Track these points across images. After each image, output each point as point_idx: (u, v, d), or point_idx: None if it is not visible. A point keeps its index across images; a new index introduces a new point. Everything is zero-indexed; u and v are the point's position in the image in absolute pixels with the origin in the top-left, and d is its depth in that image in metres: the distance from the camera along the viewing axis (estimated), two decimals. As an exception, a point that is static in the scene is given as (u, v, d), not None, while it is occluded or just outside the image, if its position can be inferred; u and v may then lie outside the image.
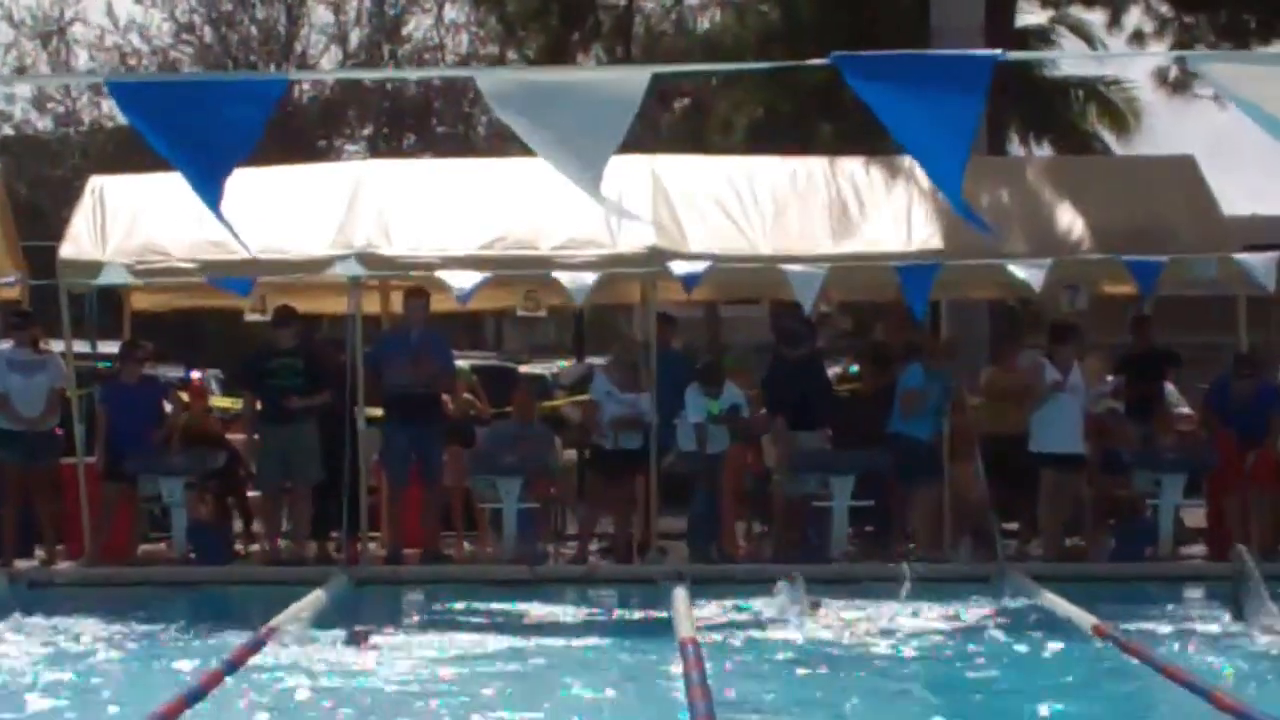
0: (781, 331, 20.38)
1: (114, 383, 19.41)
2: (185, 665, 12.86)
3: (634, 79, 6.49)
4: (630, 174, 19.17)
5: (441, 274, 18.75)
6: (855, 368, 22.28)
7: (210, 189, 6.64)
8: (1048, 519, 19.03)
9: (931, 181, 8.46)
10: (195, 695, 11.18)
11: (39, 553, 19.00)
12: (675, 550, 19.23)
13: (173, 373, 25.16)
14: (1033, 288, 18.78)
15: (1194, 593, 16.96)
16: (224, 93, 6.77)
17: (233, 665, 12.35)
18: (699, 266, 18.70)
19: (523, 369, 27.97)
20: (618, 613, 16.41)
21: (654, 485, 18.87)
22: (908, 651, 13.86)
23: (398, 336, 19.42)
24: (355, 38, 46.81)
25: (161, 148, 6.55)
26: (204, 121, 6.43)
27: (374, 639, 14.18)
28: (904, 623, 15.28)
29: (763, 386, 19.79)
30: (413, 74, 30.99)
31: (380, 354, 19.28)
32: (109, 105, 45.50)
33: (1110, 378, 20.11)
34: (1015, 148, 30.83)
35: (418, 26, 46.92)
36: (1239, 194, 28.91)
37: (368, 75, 43.31)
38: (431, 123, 46.72)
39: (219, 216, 6.72)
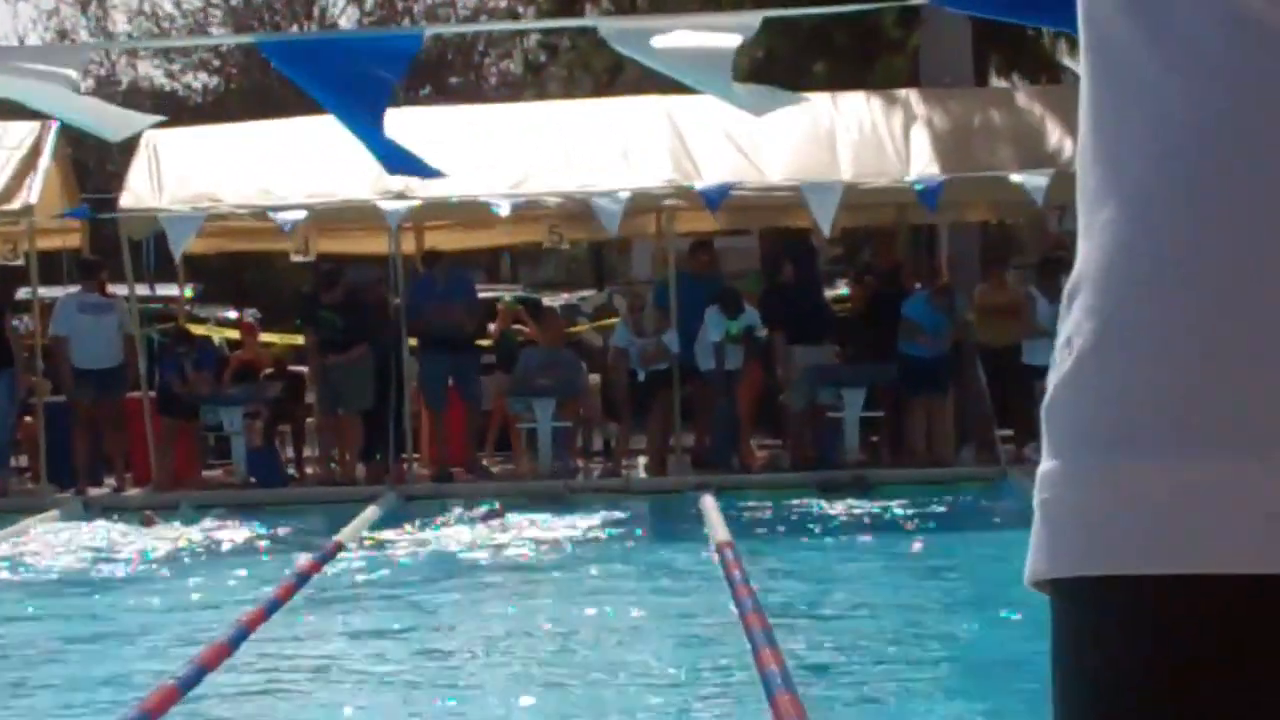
0: (776, 254, 20.37)
1: (173, 355, 19.53)
2: (258, 578, 12.90)
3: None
4: (646, 114, 19.17)
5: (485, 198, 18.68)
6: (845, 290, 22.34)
7: (368, 128, 6.66)
8: (1044, 423, 19.02)
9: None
10: (273, 606, 11.25)
11: (109, 480, 19.07)
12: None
13: (222, 313, 25.25)
14: (1036, 200, 18.46)
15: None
16: (362, 49, 6.78)
17: (305, 576, 12.40)
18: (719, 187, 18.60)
19: (544, 300, 28.01)
20: (650, 521, 16.44)
21: (677, 405, 19.02)
22: (926, 541, 13.95)
23: (427, 284, 19.46)
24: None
25: (316, 95, 6.56)
26: (349, 70, 6.45)
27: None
28: (917, 517, 15.36)
29: (761, 305, 19.82)
30: (539, 25, 30.43)
31: (413, 300, 19.37)
32: (145, 67, 45.42)
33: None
34: (995, 82, 30.66)
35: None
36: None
37: (495, 28, 42.46)
38: (445, 74, 46.54)
39: (385, 150, 6.77)
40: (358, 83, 6.57)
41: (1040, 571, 0.92)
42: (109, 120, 8.83)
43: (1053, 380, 0.93)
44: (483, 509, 16.44)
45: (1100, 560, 0.89)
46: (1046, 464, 0.92)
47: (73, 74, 8.09)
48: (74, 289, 19.45)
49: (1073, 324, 0.92)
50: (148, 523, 16.28)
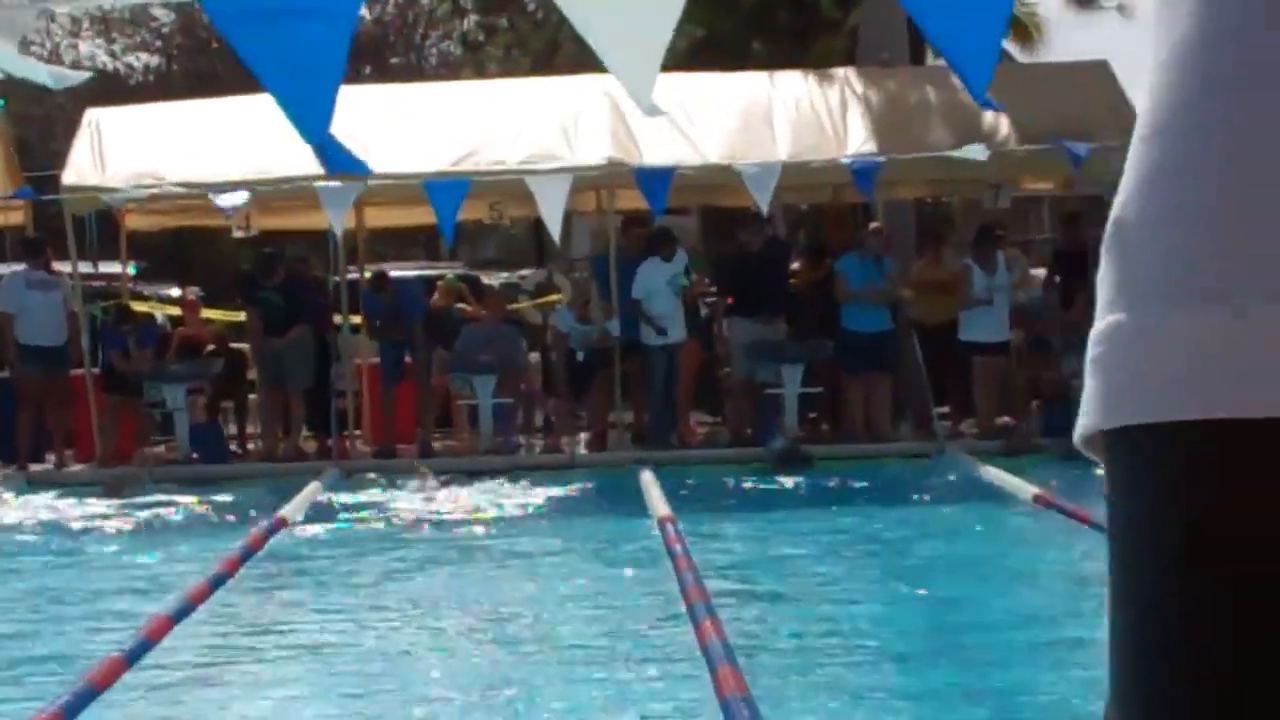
0: (746, 220, 20.31)
1: (115, 331, 19.47)
2: (203, 552, 12.83)
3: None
4: (586, 94, 19.12)
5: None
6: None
7: (310, 119, 6.49)
8: (981, 400, 19.01)
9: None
10: (219, 580, 11.19)
11: (51, 456, 18.97)
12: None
13: (165, 290, 25.12)
14: (980, 158, 18.34)
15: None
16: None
17: (250, 550, 12.34)
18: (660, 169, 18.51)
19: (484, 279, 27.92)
20: (591, 497, 16.41)
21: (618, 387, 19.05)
22: (864, 516, 13.96)
23: (375, 304, 19.75)
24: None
25: (258, 73, 6.40)
26: (292, 41, 6.29)
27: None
28: (855, 492, 15.39)
29: (719, 274, 19.74)
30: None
31: (366, 309, 19.74)
32: (87, 47, 45.12)
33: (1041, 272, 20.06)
34: (931, 60, 30.68)
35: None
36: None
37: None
38: (385, 54, 46.33)
39: (322, 146, 6.61)
40: (303, 66, 6.42)
41: (1095, 423, 0.90)
42: (54, 72, 8.71)
43: (1105, 244, 0.92)
44: (413, 482, 16.55)
45: (1159, 406, 0.86)
46: (1100, 323, 0.91)
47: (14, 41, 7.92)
48: (17, 266, 19.33)
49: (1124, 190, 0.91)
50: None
